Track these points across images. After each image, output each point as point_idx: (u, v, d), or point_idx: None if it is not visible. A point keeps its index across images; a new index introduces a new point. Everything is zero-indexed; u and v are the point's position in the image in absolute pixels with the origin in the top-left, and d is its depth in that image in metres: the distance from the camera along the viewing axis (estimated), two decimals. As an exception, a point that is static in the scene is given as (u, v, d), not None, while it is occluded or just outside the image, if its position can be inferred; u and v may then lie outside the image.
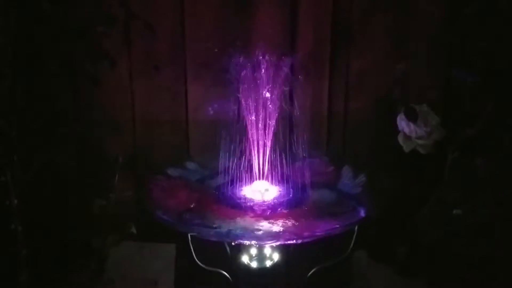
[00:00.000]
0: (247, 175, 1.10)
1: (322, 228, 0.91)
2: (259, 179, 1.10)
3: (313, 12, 1.27)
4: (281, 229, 0.93)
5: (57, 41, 1.06)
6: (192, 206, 1.01)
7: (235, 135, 1.11)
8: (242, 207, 1.02)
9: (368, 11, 1.28)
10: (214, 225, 0.92)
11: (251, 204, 1.03)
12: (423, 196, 1.19)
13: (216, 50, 1.15)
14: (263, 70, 1.11)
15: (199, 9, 1.26)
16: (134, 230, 1.07)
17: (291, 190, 1.08)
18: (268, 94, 1.12)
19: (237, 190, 1.07)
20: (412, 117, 1.19)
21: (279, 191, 1.08)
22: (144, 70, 1.29)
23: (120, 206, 1.07)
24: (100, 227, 1.06)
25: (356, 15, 1.28)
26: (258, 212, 1.00)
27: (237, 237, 0.90)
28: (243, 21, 1.27)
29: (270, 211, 0.99)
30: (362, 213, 0.98)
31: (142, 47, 1.28)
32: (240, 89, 1.10)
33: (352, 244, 1.03)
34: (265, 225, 0.94)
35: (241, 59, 1.09)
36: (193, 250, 1.03)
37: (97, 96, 1.26)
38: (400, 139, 1.21)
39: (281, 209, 1.00)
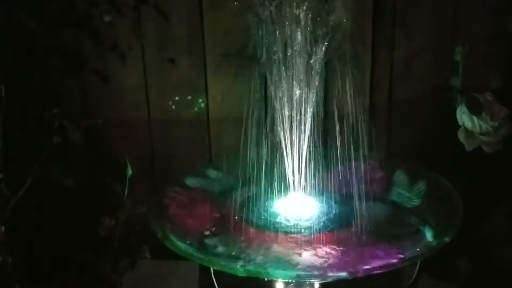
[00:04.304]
0: (279, 184, 0.84)
1: (381, 259, 0.66)
2: (294, 189, 0.84)
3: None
4: (328, 261, 0.67)
5: (53, 32, 0.82)
6: (213, 229, 0.76)
7: (264, 136, 0.86)
8: (274, 229, 0.76)
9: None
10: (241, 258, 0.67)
11: (286, 224, 0.78)
12: (490, 202, 0.92)
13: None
14: (294, 58, 0.85)
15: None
16: (148, 254, 0.83)
17: (333, 204, 0.81)
18: (301, 86, 0.86)
19: (268, 205, 0.82)
20: (475, 109, 0.93)
21: (320, 205, 0.82)
22: (158, 63, 1.05)
23: (132, 225, 0.84)
24: (108, 252, 0.82)
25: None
26: (295, 235, 0.74)
27: (270, 274, 0.65)
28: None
29: (311, 234, 0.73)
30: (429, 237, 0.71)
31: (156, 37, 1.04)
32: (269, 81, 0.87)
33: (415, 274, 0.76)
34: (305, 256, 0.69)
35: (268, 45, 0.85)
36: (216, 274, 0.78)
37: (106, 95, 1.02)
38: (461, 135, 0.94)
39: (324, 231, 0.74)
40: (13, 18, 0.79)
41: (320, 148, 0.87)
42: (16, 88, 0.82)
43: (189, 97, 1.07)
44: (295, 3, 0.96)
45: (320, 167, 0.85)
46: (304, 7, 0.97)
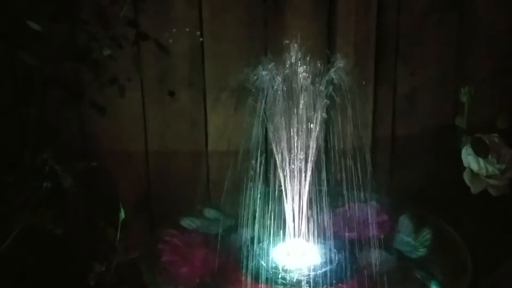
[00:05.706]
0: (278, 227, 0.79)
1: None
2: (294, 234, 0.79)
3: (354, 24, 0.95)
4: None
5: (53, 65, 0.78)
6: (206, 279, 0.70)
7: (264, 171, 0.81)
8: (273, 282, 0.70)
9: (419, 21, 0.95)
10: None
11: (285, 276, 0.72)
12: (497, 248, 0.86)
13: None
14: (295, 92, 0.81)
15: (220, 24, 0.98)
16: (140, 305, 0.77)
17: (335, 252, 0.76)
18: (302, 122, 0.81)
19: (266, 252, 0.76)
20: (481, 151, 0.88)
21: (320, 253, 0.77)
22: (157, 96, 1.01)
23: (124, 271, 0.78)
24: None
25: (404, 26, 0.96)
26: (294, 291, 0.68)
27: None
28: (270, 38, 0.95)
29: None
30: (436, 295, 0.65)
31: (155, 69, 0.99)
32: (268, 116, 0.82)
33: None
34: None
35: (269, 80, 0.81)
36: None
37: (104, 127, 0.98)
38: (467, 178, 0.89)
39: (325, 286, 0.68)
40: (12, 54, 0.75)
41: (321, 189, 0.81)
42: (12, 125, 0.77)
43: (188, 130, 1.03)
44: (297, 38, 0.92)
45: (321, 210, 0.80)
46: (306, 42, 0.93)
